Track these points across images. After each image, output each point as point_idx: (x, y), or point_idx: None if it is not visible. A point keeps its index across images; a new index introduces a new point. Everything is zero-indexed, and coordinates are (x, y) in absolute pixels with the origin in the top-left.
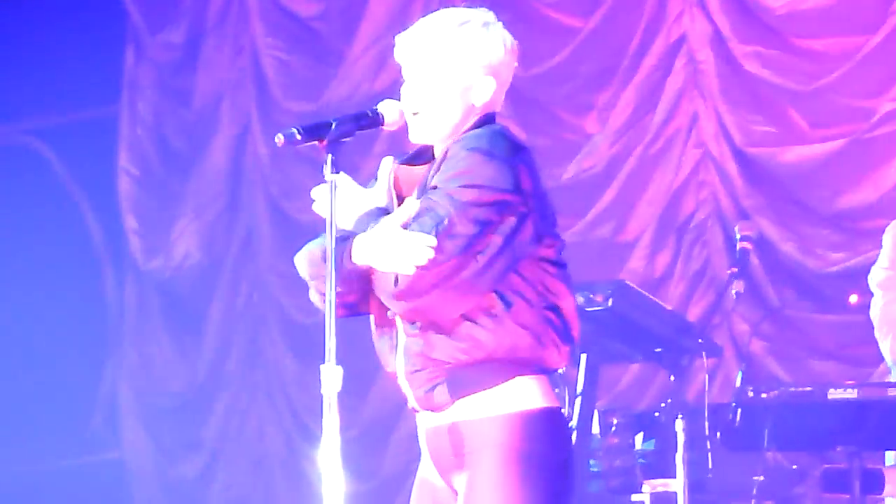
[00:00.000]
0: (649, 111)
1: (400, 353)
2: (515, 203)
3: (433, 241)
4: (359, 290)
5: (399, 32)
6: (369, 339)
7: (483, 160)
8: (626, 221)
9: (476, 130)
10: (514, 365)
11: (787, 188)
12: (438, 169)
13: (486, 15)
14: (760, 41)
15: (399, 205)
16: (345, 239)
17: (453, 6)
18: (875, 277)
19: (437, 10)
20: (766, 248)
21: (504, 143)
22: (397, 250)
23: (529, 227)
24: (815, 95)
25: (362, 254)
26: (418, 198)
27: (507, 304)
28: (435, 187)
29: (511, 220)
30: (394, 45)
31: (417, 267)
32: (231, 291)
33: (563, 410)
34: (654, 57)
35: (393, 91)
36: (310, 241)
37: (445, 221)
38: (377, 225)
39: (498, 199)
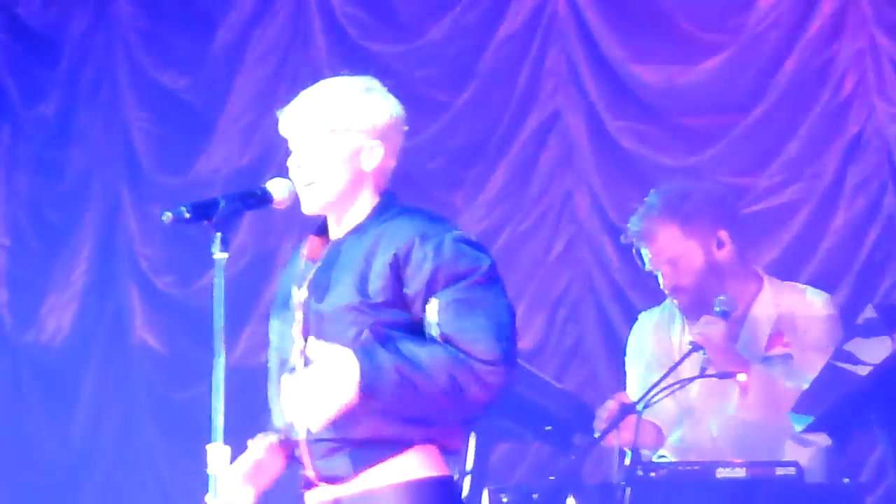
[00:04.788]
0: (522, 186)
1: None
2: None
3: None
4: None
5: (267, 105)
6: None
7: (464, 247)
8: None
9: (407, 216)
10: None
11: None
12: (401, 271)
13: (368, 81)
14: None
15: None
16: None
17: (321, 79)
18: None
19: (304, 82)
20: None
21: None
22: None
23: None
24: (690, 172)
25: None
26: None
27: None
28: (429, 293)
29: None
30: (262, 118)
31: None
32: (103, 366)
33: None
34: (528, 132)
35: (263, 163)
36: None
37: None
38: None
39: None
